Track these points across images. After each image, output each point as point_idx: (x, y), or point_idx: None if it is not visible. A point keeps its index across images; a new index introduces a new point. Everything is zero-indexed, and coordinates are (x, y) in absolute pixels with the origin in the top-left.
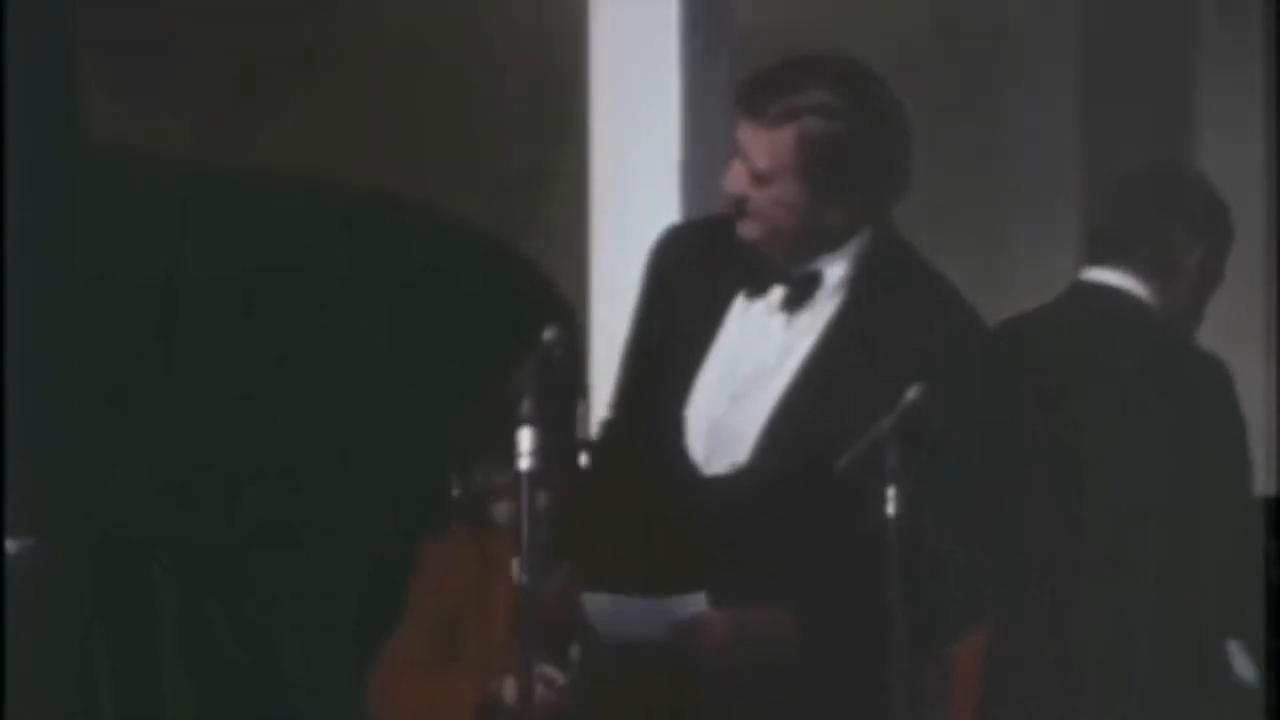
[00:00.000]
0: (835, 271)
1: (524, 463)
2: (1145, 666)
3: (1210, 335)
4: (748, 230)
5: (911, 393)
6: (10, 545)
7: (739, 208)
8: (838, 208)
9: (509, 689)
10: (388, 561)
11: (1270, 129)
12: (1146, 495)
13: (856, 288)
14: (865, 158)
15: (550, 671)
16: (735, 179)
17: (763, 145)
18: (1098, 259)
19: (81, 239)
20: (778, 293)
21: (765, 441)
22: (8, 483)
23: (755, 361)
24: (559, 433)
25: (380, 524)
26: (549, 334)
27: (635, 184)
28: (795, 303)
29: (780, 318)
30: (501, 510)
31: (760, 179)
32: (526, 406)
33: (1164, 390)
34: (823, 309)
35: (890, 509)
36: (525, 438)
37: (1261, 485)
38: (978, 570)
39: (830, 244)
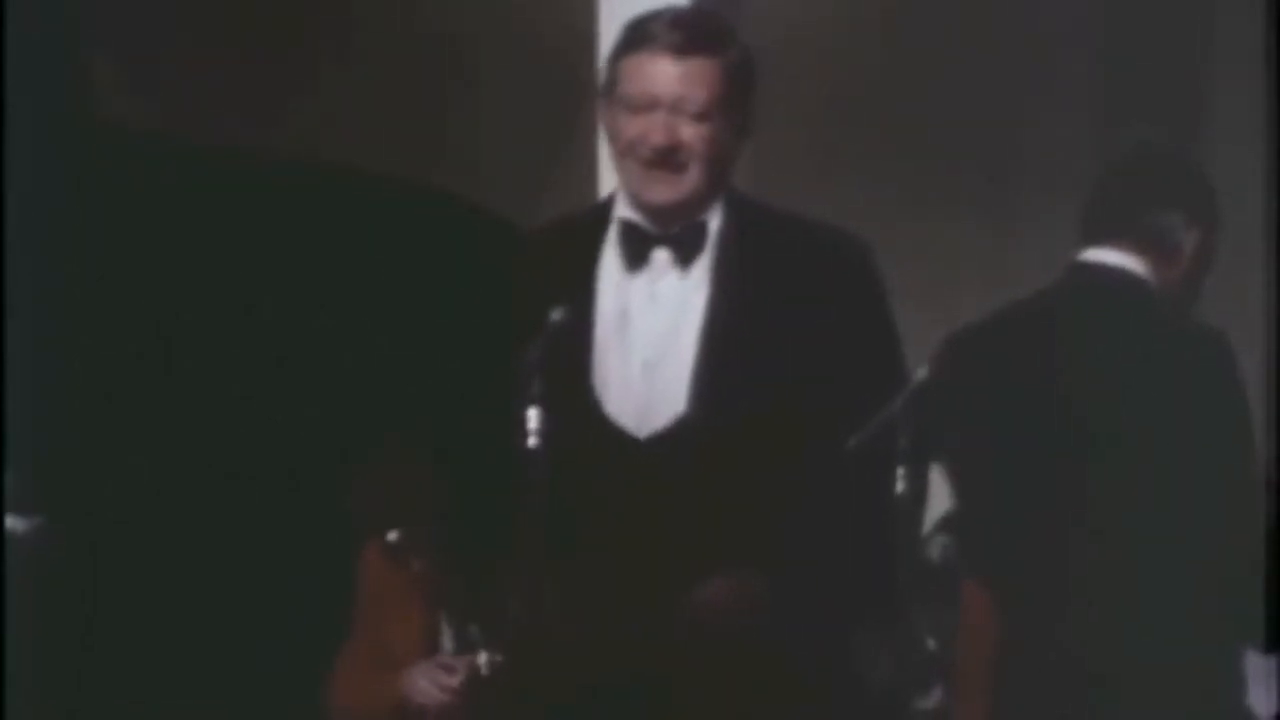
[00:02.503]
0: (715, 219)
1: (533, 441)
2: (1148, 641)
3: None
4: (666, 193)
5: (921, 372)
6: (14, 524)
7: (667, 162)
8: (743, 139)
9: (409, 683)
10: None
11: (1272, 120)
12: (1149, 470)
13: (732, 230)
14: (752, 82)
15: (449, 661)
16: (667, 128)
17: (702, 76)
18: (1096, 240)
19: (84, 225)
20: (662, 255)
21: (698, 388)
22: (9, 463)
23: (657, 324)
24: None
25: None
26: (556, 315)
27: None
28: (686, 259)
29: (673, 276)
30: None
31: (701, 115)
32: (535, 386)
33: (1166, 364)
34: (708, 256)
35: (900, 487)
36: (533, 417)
37: (1264, 464)
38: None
39: (717, 191)
